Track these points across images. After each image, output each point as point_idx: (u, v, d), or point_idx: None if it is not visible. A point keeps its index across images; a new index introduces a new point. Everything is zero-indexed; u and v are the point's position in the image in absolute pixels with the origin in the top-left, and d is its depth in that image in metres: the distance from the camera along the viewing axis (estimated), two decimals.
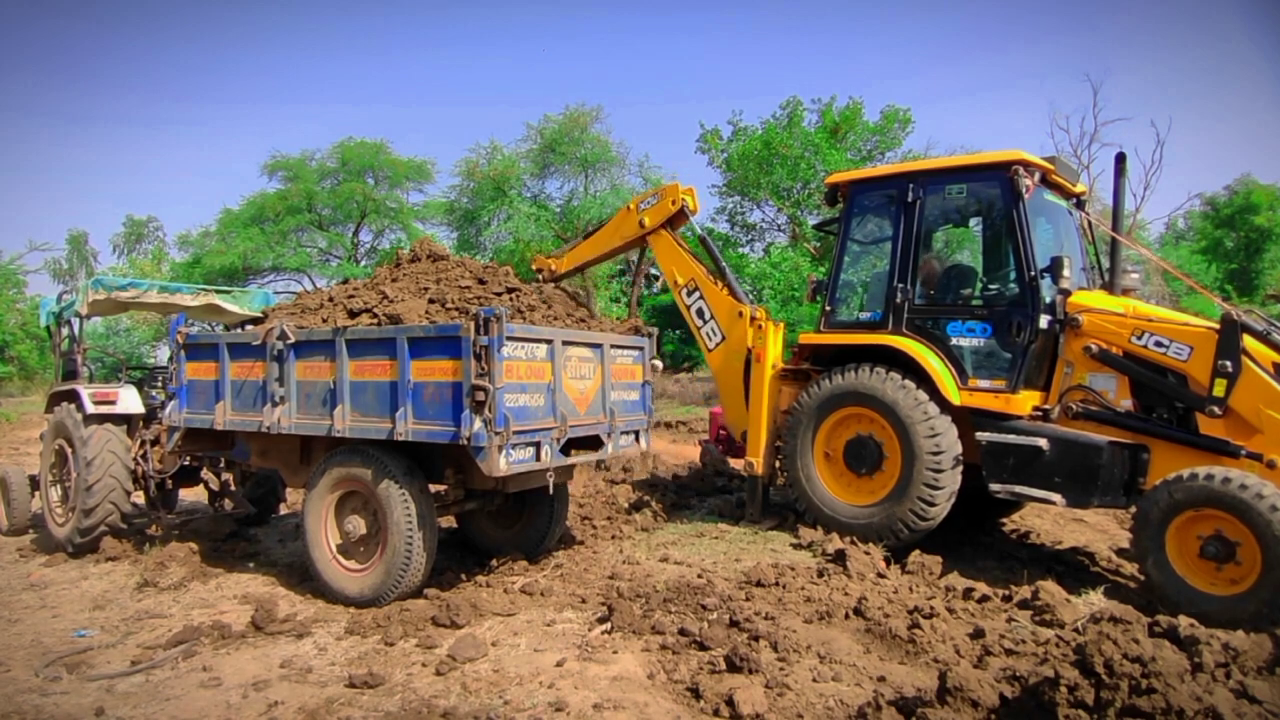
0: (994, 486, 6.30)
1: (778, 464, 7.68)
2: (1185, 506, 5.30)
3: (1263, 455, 5.47)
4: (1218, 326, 5.68)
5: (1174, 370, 5.88)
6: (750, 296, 8.95)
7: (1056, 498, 6.06)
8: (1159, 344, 5.92)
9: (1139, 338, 6.00)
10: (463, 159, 28.35)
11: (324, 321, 5.93)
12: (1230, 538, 5.17)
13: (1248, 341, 5.60)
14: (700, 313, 8.31)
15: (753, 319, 7.85)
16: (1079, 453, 6.00)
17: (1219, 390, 5.58)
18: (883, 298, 7.12)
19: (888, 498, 6.66)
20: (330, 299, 6.27)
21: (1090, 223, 7.53)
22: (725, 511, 8.16)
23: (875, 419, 6.81)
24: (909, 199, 6.97)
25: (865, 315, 7.48)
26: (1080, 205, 7.51)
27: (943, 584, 5.86)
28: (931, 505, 6.42)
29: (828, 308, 7.54)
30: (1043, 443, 6.10)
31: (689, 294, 8.35)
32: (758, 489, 7.76)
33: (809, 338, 7.63)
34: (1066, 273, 6.24)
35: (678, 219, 8.39)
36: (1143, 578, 5.66)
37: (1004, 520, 8.18)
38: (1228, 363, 5.55)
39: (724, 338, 8.15)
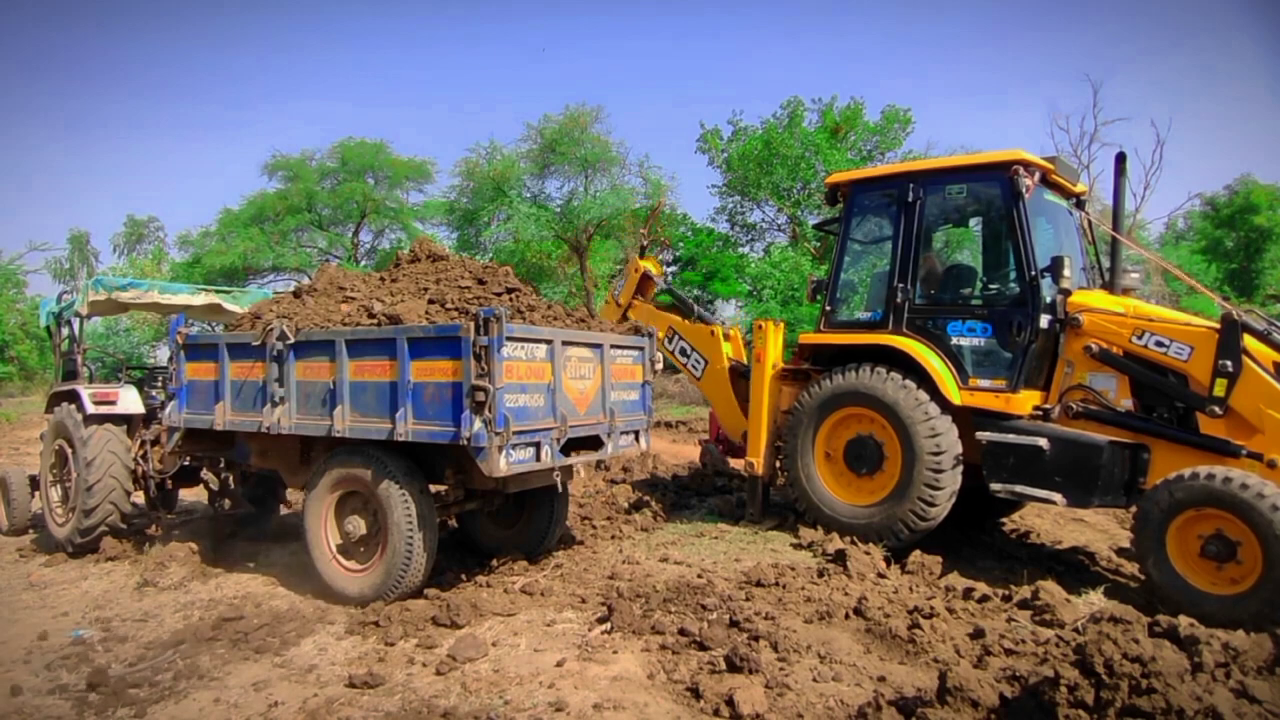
0: (994, 486, 6.29)
1: (778, 464, 7.69)
2: (1186, 506, 5.30)
3: (1263, 455, 5.46)
4: (1218, 326, 5.67)
5: (1174, 370, 5.88)
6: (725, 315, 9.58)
7: (1057, 497, 6.05)
8: (1159, 344, 5.91)
9: (1139, 337, 6.00)
10: (462, 159, 28.31)
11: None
12: (1231, 537, 5.17)
13: (1248, 341, 5.60)
14: (684, 351, 9.13)
15: (726, 335, 8.63)
16: (1079, 452, 5.99)
17: (1219, 390, 5.57)
18: (883, 298, 7.12)
19: (888, 498, 6.66)
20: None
21: (1090, 222, 7.53)
22: (725, 511, 8.16)
23: (876, 419, 6.80)
24: (909, 199, 6.96)
25: (865, 315, 7.48)
26: (1080, 205, 7.50)
27: (943, 584, 5.86)
28: (932, 505, 6.42)
29: (828, 308, 7.54)
30: (1043, 442, 6.09)
31: (670, 341, 9.11)
32: (758, 489, 7.77)
33: (809, 337, 7.63)
34: (1067, 272, 6.24)
35: (646, 284, 9.52)
36: (1143, 577, 5.66)
37: (1004, 520, 8.17)
38: (1228, 362, 5.55)
39: (707, 362, 8.78)
